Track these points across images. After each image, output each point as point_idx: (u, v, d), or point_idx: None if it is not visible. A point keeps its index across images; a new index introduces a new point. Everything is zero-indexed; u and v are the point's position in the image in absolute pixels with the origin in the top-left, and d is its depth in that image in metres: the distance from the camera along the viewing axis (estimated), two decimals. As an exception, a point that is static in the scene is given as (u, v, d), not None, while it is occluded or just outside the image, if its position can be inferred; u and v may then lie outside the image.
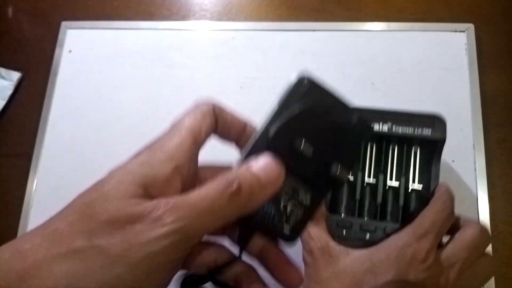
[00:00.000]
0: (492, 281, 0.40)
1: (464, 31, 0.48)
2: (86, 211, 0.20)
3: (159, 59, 0.53)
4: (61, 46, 0.55)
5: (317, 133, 0.23)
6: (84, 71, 0.54)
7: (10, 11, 0.60)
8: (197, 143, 0.23)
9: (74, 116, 0.52)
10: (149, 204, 0.19)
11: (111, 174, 0.21)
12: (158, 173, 0.21)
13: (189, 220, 0.19)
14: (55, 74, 0.54)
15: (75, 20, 0.56)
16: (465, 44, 0.48)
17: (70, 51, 0.55)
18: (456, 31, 0.49)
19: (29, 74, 0.56)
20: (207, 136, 0.24)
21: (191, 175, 0.23)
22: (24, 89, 0.55)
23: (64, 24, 0.56)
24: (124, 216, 0.19)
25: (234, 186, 0.20)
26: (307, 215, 0.24)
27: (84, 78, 0.53)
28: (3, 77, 0.55)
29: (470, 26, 0.48)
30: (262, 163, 0.21)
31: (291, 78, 0.25)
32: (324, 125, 0.23)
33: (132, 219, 0.19)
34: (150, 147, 0.23)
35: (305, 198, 0.24)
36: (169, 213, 0.19)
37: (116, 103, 0.52)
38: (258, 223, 0.23)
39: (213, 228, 0.21)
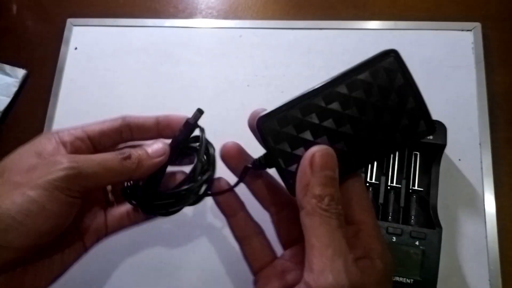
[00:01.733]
0: (499, 280, 0.40)
1: (471, 30, 0.48)
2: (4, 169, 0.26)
3: (166, 57, 0.53)
4: (67, 43, 0.55)
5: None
6: (90, 68, 0.54)
7: (14, 7, 0.59)
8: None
9: (80, 114, 0.52)
10: (52, 157, 0.26)
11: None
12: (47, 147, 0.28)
13: (82, 165, 0.25)
14: (61, 71, 0.54)
15: (81, 17, 0.56)
16: (472, 42, 0.48)
17: (75, 48, 0.55)
18: (463, 30, 0.49)
19: (34, 71, 0.55)
20: (112, 132, 0.31)
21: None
22: (29, 86, 0.55)
23: (69, 21, 0.56)
24: (31, 165, 0.26)
25: (126, 153, 0.27)
26: None
27: (90, 75, 0.53)
28: (8, 74, 0.55)
29: (477, 25, 0.48)
30: (152, 143, 0.29)
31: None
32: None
33: (39, 165, 0.25)
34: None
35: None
36: (65, 158, 0.25)
37: (122, 100, 0.52)
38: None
39: (107, 180, 0.27)
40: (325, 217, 0.22)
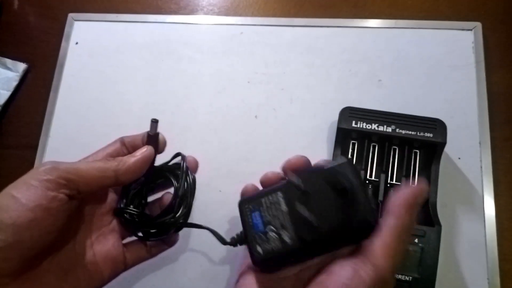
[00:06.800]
0: (497, 278, 0.40)
1: (471, 30, 0.49)
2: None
3: (167, 53, 0.53)
4: (68, 38, 0.55)
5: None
6: (90, 64, 0.54)
7: (16, 2, 0.59)
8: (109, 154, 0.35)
9: (80, 109, 0.52)
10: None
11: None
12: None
13: (61, 163, 0.29)
14: (62, 66, 0.54)
15: (82, 12, 0.56)
16: (472, 42, 0.48)
17: (76, 43, 0.55)
18: (463, 30, 0.49)
19: (35, 65, 0.55)
20: (115, 152, 0.35)
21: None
22: (30, 81, 0.55)
23: (71, 16, 0.56)
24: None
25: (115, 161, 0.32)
26: (284, 253, 0.27)
27: (90, 71, 0.53)
28: (9, 68, 0.55)
29: (478, 25, 0.49)
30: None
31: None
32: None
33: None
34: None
35: (287, 237, 0.28)
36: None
37: (122, 96, 0.52)
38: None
39: (90, 176, 0.30)
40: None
